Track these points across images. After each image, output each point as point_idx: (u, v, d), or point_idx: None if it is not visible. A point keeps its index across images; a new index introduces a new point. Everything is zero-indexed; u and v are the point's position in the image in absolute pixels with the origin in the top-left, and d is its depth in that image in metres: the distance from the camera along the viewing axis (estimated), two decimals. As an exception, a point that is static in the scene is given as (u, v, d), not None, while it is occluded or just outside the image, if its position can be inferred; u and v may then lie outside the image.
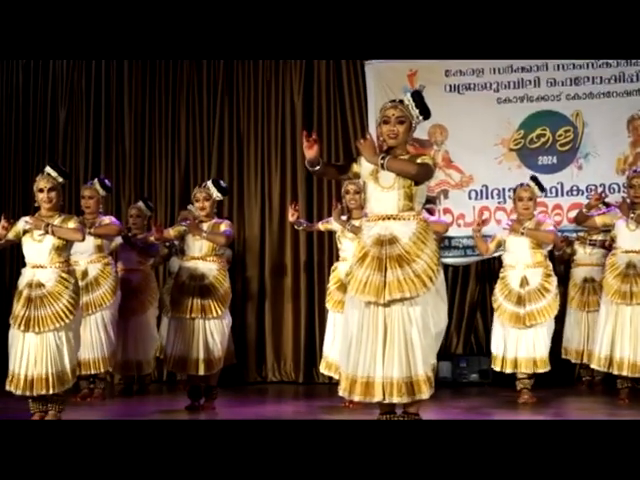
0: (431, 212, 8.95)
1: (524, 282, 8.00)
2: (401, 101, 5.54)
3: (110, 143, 10.96)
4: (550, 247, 8.65)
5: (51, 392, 6.32)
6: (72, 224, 6.60)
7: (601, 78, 9.82)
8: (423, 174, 5.48)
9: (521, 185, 8.26)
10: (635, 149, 9.71)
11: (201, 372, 7.50)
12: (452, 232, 9.73)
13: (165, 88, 10.93)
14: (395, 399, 5.38)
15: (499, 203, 9.92)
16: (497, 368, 8.21)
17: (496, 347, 8.19)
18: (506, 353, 8.07)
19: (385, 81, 10.27)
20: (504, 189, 9.83)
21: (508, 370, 7.96)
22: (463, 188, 10.10)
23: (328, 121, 10.55)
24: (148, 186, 10.88)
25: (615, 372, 7.64)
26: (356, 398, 5.56)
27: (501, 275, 8.25)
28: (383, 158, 5.36)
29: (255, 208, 10.70)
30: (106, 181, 8.48)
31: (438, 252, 5.72)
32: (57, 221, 6.49)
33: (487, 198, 10.02)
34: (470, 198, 10.04)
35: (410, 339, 5.47)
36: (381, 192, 5.48)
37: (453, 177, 10.14)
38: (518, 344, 8.00)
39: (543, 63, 9.94)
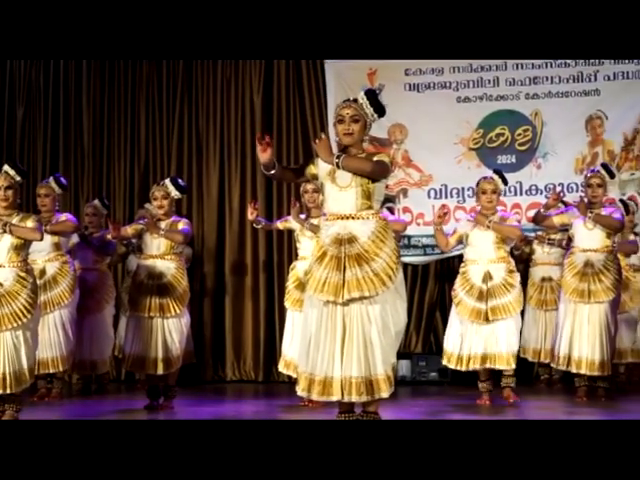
0: (391, 211, 9.01)
1: (487, 277, 7.95)
2: (355, 100, 5.58)
3: (68, 142, 11.02)
4: (513, 244, 8.62)
5: (8, 392, 6.24)
6: (30, 223, 6.57)
7: (560, 78, 10.01)
8: (379, 171, 5.53)
9: (484, 178, 8.23)
10: (593, 149, 9.90)
11: (160, 371, 7.50)
12: (411, 231, 9.91)
13: (124, 87, 11.00)
14: (354, 398, 5.39)
15: (458, 202, 10.03)
16: (451, 365, 8.13)
17: (452, 345, 8.11)
18: (462, 351, 8.01)
19: (345, 80, 10.40)
20: (463, 188, 10.01)
21: (463, 368, 7.91)
22: (422, 187, 10.21)
23: (288, 120, 10.68)
24: (107, 184, 10.94)
25: (574, 370, 7.77)
26: (314, 397, 5.56)
27: (462, 270, 8.20)
28: (338, 157, 5.41)
29: (214, 207, 10.81)
30: (62, 179, 8.47)
31: (397, 251, 5.74)
32: (15, 220, 6.45)
33: (446, 197, 10.12)
34: (429, 197, 10.16)
35: (369, 338, 5.48)
36: (339, 192, 5.51)
37: (412, 176, 10.25)
38: (478, 341, 7.94)
39: (502, 63, 10.11)
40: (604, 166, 8.47)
